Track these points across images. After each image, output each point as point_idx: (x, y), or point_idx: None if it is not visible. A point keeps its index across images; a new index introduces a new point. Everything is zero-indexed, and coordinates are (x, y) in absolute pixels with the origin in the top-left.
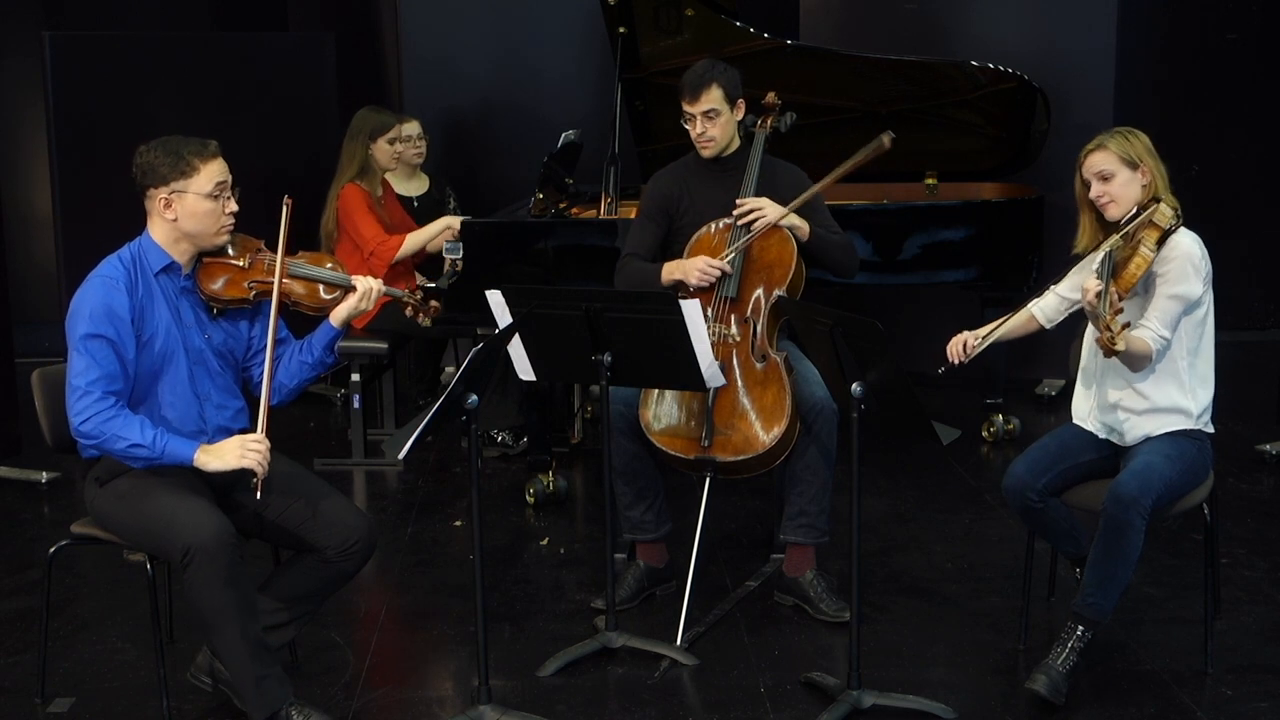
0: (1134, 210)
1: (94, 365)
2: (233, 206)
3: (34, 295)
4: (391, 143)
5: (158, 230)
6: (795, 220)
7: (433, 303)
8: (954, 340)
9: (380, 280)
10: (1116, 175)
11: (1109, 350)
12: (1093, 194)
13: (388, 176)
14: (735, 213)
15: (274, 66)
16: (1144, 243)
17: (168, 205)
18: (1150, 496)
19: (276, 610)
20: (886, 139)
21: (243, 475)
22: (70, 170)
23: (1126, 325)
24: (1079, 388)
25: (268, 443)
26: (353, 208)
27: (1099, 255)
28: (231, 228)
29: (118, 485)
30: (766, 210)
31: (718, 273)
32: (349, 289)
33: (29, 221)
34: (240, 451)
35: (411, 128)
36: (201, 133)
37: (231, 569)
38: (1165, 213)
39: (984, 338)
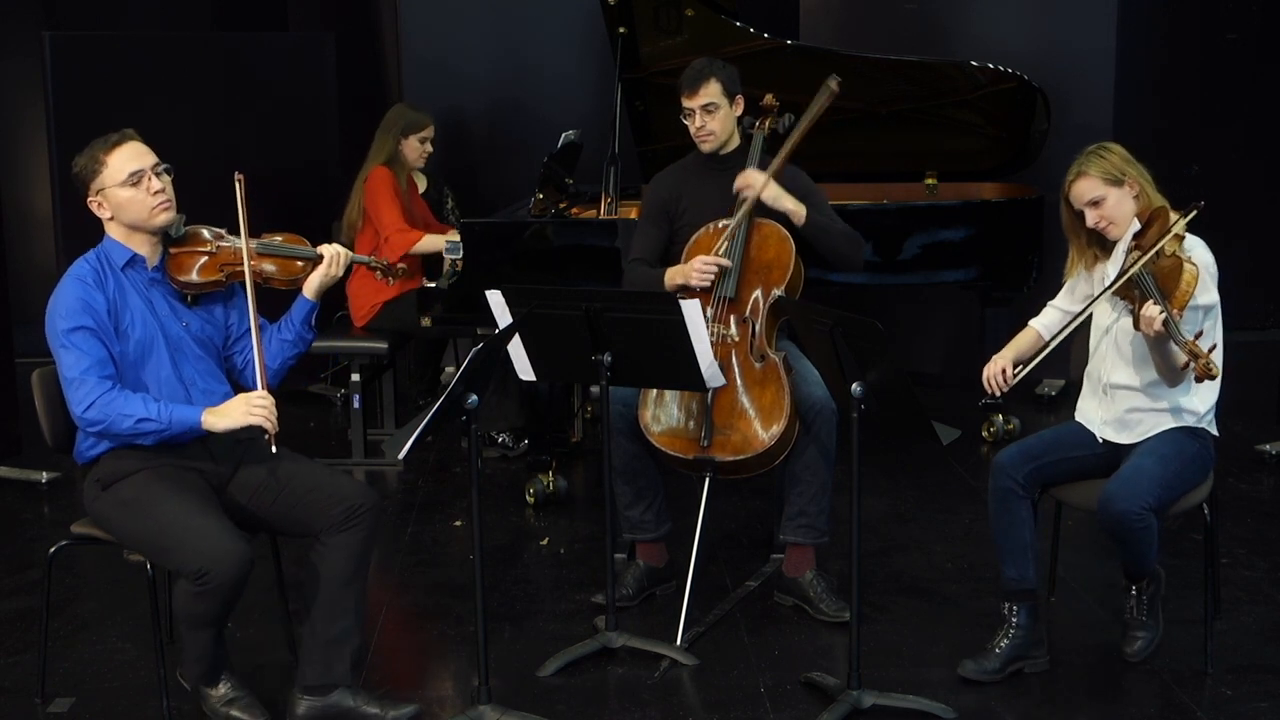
0: (1135, 224)
1: (83, 355)
2: (156, 186)
3: (34, 295)
4: (423, 141)
5: (110, 228)
6: (789, 204)
7: (399, 265)
8: (990, 370)
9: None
10: (1107, 198)
11: (1206, 375)
12: (1090, 223)
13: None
14: (735, 186)
15: (274, 66)
16: (1180, 256)
17: (100, 206)
18: (1143, 500)
19: (343, 614)
20: (834, 83)
21: (244, 465)
22: (70, 170)
23: (1214, 348)
24: (1085, 394)
25: (271, 399)
26: (379, 191)
27: (1108, 276)
28: (168, 205)
29: (121, 491)
30: (754, 183)
31: (714, 267)
32: (317, 260)
33: (29, 221)
34: (246, 409)
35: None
36: (201, 133)
37: (240, 589)
38: (1182, 222)
39: (1026, 366)
